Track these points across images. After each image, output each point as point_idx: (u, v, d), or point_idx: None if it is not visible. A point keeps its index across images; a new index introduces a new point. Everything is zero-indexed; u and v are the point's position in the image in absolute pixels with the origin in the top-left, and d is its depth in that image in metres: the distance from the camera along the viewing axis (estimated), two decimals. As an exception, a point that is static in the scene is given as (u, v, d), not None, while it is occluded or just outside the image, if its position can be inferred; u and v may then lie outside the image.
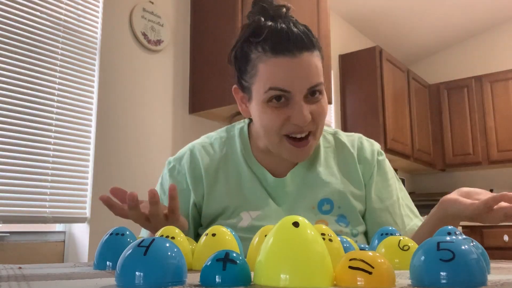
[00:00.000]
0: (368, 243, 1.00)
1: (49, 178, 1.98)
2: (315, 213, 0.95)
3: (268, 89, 0.87)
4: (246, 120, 1.06)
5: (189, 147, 1.04)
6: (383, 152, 1.08)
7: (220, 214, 0.97)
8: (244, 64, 0.92)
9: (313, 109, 0.88)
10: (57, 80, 2.05)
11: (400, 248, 0.55)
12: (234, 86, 0.98)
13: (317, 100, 0.89)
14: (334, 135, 1.06)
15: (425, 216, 0.98)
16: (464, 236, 0.55)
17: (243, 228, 0.93)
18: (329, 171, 1.00)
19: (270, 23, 0.87)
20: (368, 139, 1.09)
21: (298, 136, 0.89)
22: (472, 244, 0.47)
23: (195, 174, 1.00)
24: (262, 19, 0.89)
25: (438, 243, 0.40)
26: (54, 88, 2.04)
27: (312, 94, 0.88)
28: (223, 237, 0.57)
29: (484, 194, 0.80)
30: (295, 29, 0.86)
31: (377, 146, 1.07)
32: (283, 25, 0.86)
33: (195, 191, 0.99)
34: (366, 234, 1.02)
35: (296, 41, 0.85)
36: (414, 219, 1.04)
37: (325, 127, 1.06)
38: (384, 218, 0.99)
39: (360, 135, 1.09)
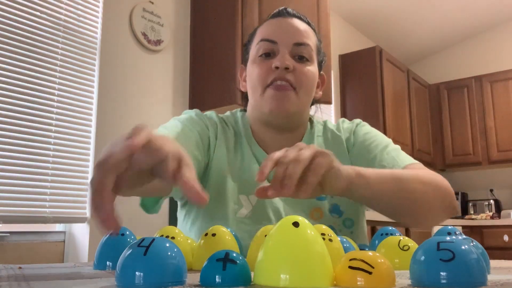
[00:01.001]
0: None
1: (49, 178, 1.98)
2: (311, 199, 0.95)
3: (259, 41, 0.98)
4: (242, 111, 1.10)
5: (208, 113, 1.04)
6: (363, 122, 1.08)
7: (218, 188, 0.94)
8: (249, 39, 1.05)
9: (297, 66, 0.94)
10: (57, 80, 2.05)
11: (400, 248, 0.55)
12: (241, 65, 1.08)
13: (304, 63, 0.96)
14: (324, 124, 1.09)
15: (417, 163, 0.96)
16: (464, 236, 0.55)
17: (243, 217, 0.92)
18: None
19: None
20: (350, 121, 1.10)
21: (279, 82, 0.93)
22: (472, 244, 0.48)
23: (213, 131, 0.99)
24: None
25: (438, 243, 0.40)
26: (54, 88, 2.04)
27: (300, 58, 0.96)
28: (223, 237, 0.57)
29: None
30: (292, 10, 1.03)
31: (356, 121, 1.09)
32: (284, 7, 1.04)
33: (212, 140, 0.97)
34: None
35: (292, 13, 1.02)
36: (407, 159, 0.98)
37: (318, 120, 1.10)
38: (383, 160, 0.96)
39: (344, 119, 1.11)
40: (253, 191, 0.93)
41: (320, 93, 1.06)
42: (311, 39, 0.99)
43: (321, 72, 1.05)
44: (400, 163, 0.94)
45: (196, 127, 0.95)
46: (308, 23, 1.02)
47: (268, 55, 0.96)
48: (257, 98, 0.96)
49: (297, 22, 0.99)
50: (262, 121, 1.00)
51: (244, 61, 1.06)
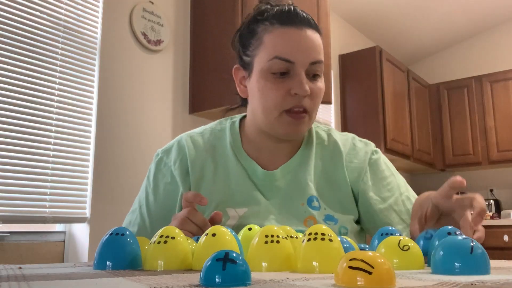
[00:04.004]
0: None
1: (49, 178, 1.98)
2: (305, 209, 0.93)
3: (273, 57, 0.89)
4: (239, 116, 1.06)
5: (177, 139, 1.04)
6: (378, 150, 1.06)
7: (206, 209, 0.94)
8: (249, 39, 0.95)
9: (312, 87, 0.91)
10: (57, 80, 2.06)
11: (400, 248, 0.55)
12: (235, 66, 1.00)
13: (317, 81, 0.93)
14: (328, 132, 1.06)
15: None
16: (464, 236, 0.55)
17: (230, 227, 0.91)
18: (318, 169, 0.99)
19: (277, 5, 0.95)
20: (362, 139, 1.07)
21: (296, 109, 0.90)
22: (472, 244, 0.48)
23: (182, 167, 0.98)
24: (268, 6, 0.96)
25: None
26: (54, 88, 2.04)
27: (314, 77, 0.92)
28: (223, 237, 0.57)
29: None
30: (300, 10, 0.93)
31: (371, 146, 1.05)
32: (290, 5, 0.93)
33: (183, 183, 0.97)
34: (362, 232, 1.00)
35: (303, 17, 0.92)
36: None
37: (319, 125, 1.07)
38: (391, 217, 0.96)
39: (354, 135, 1.07)
40: (240, 203, 0.93)
41: None
42: (322, 49, 0.95)
43: None
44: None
45: (167, 186, 0.99)
46: (316, 27, 0.95)
47: (283, 73, 0.90)
48: (271, 120, 0.92)
49: (311, 35, 0.92)
50: (266, 133, 0.97)
51: (242, 63, 0.98)
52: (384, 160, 1.04)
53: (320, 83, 0.94)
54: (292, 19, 0.91)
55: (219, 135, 1.02)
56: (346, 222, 0.95)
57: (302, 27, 0.91)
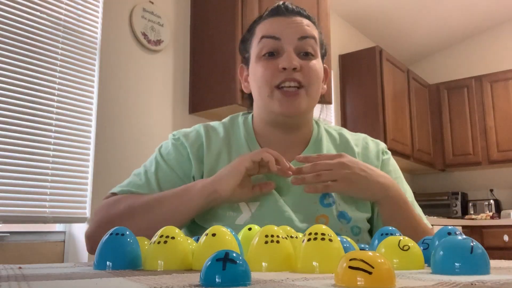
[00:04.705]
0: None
1: (49, 178, 1.98)
2: (317, 207, 0.92)
3: (260, 38, 0.95)
4: (250, 113, 1.07)
5: (195, 127, 1.05)
6: (388, 151, 1.07)
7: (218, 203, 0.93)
8: (247, 37, 1.02)
9: (303, 64, 0.93)
10: (57, 80, 2.06)
11: (400, 248, 0.55)
12: (240, 65, 1.05)
13: (309, 60, 0.94)
14: (339, 131, 1.07)
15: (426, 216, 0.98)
16: (464, 236, 0.55)
17: (240, 225, 0.88)
18: None
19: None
20: (373, 139, 1.08)
21: (287, 84, 0.92)
22: (472, 244, 0.48)
23: (198, 152, 0.98)
24: None
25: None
26: (54, 88, 2.04)
27: (305, 54, 0.94)
28: (223, 237, 0.57)
29: None
30: (291, 4, 0.99)
31: (382, 145, 1.07)
32: (281, 2, 1.00)
33: (196, 167, 0.97)
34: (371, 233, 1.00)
35: (292, 9, 0.98)
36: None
37: (330, 125, 1.09)
38: None
39: (365, 135, 1.09)
40: (253, 197, 0.91)
41: (325, 87, 1.03)
42: (315, 31, 0.98)
43: (324, 65, 1.03)
44: None
45: (177, 163, 0.98)
46: (309, 17, 0.99)
47: (272, 54, 0.93)
48: (265, 99, 0.94)
49: (299, 19, 0.96)
50: (269, 121, 0.98)
51: (244, 61, 1.03)
52: (392, 162, 1.07)
53: (315, 62, 0.95)
54: (281, 10, 0.97)
55: (234, 128, 1.04)
56: (359, 220, 0.94)
57: (290, 16, 0.96)
